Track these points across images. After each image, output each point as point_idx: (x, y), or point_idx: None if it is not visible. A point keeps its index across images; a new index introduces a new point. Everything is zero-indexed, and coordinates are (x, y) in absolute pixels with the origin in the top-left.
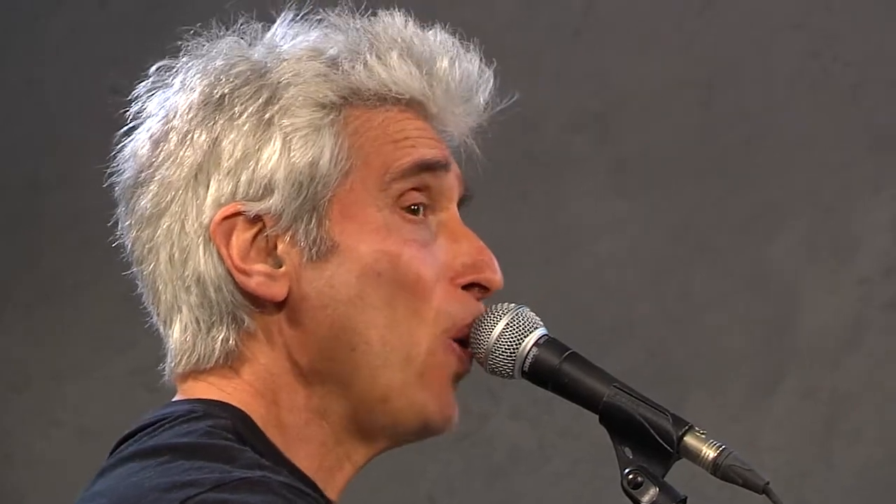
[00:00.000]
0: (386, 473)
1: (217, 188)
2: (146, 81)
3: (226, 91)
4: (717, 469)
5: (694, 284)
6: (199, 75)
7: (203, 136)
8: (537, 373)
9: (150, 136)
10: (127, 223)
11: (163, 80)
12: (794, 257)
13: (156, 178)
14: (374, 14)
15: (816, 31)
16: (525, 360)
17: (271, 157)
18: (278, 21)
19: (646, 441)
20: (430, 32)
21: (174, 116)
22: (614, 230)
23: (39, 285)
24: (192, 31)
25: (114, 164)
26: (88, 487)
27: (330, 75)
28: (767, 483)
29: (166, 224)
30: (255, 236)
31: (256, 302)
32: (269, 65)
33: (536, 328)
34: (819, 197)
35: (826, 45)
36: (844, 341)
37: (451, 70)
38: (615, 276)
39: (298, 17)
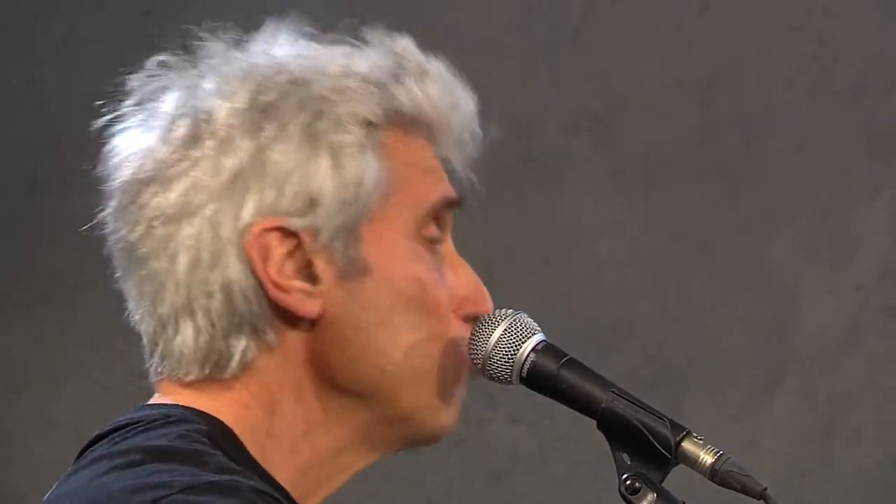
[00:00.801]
0: (384, 478)
1: (258, 198)
2: (141, 74)
3: (271, 100)
4: (714, 475)
5: (693, 285)
6: (238, 81)
7: (246, 143)
8: (535, 379)
9: (174, 135)
10: (132, 217)
11: (167, 76)
12: (793, 258)
13: (183, 179)
14: (388, 31)
15: (815, 32)
16: (523, 366)
17: (319, 172)
18: (289, 30)
19: (644, 447)
20: (438, 63)
21: (210, 120)
22: (614, 231)
23: (39, 286)
24: (199, 30)
25: (107, 155)
26: (56, 488)
27: (375, 94)
28: (765, 489)
29: (195, 226)
30: (291, 251)
31: (285, 316)
32: (310, 77)
33: (534, 334)
34: (818, 198)
35: (825, 47)
36: (844, 342)
37: (467, 103)
38: (615, 276)
39: (312, 31)
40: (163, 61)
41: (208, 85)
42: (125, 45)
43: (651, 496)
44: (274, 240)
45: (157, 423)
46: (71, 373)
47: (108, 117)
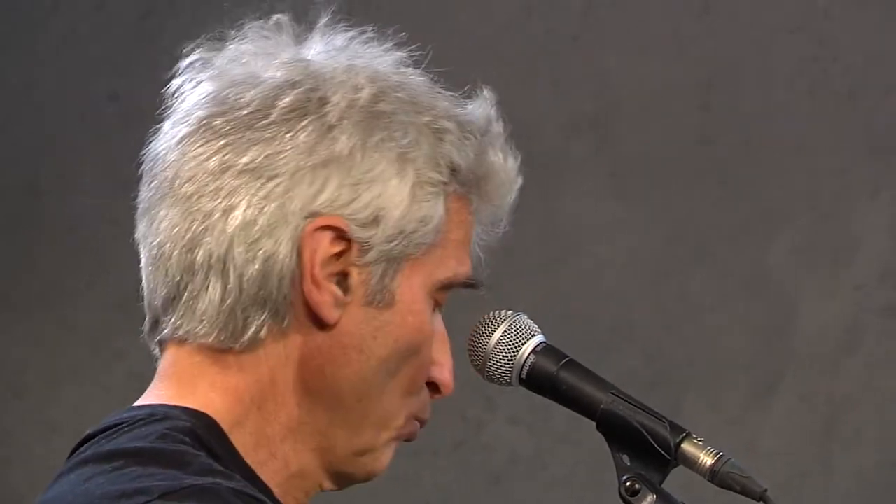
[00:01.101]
0: (382, 479)
1: (335, 191)
2: (251, 26)
3: (387, 110)
4: (714, 476)
5: (692, 287)
6: (366, 78)
7: (346, 138)
8: (535, 380)
9: (278, 103)
10: (205, 152)
11: (274, 39)
12: (792, 260)
13: (269, 144)
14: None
15: (815, 33)
16: (523, 367)
17: (396, 194)
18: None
19: (643, 448)
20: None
21: (325, 103)
22: (613, 233)
23: (39, 287)
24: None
25: (187, 85)
26: (46, 491)
27: (471, 145)
28: (765, 490)
29: (265, 190)
30: (336, 255)
31: (304, 311)
32: (423, 105)
33: (534, 335)
34: (817, 200)
35: (825, 48)
36: (843, 343)
37: (515, 193)
38: (614, 277)
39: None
40: (278, 22)
41: (331, 69)
42: (125, 46)
43: (651, 497)
44: (327, 238)
45: (140, 422)
46: (71, 374)
47: (198, 56)
